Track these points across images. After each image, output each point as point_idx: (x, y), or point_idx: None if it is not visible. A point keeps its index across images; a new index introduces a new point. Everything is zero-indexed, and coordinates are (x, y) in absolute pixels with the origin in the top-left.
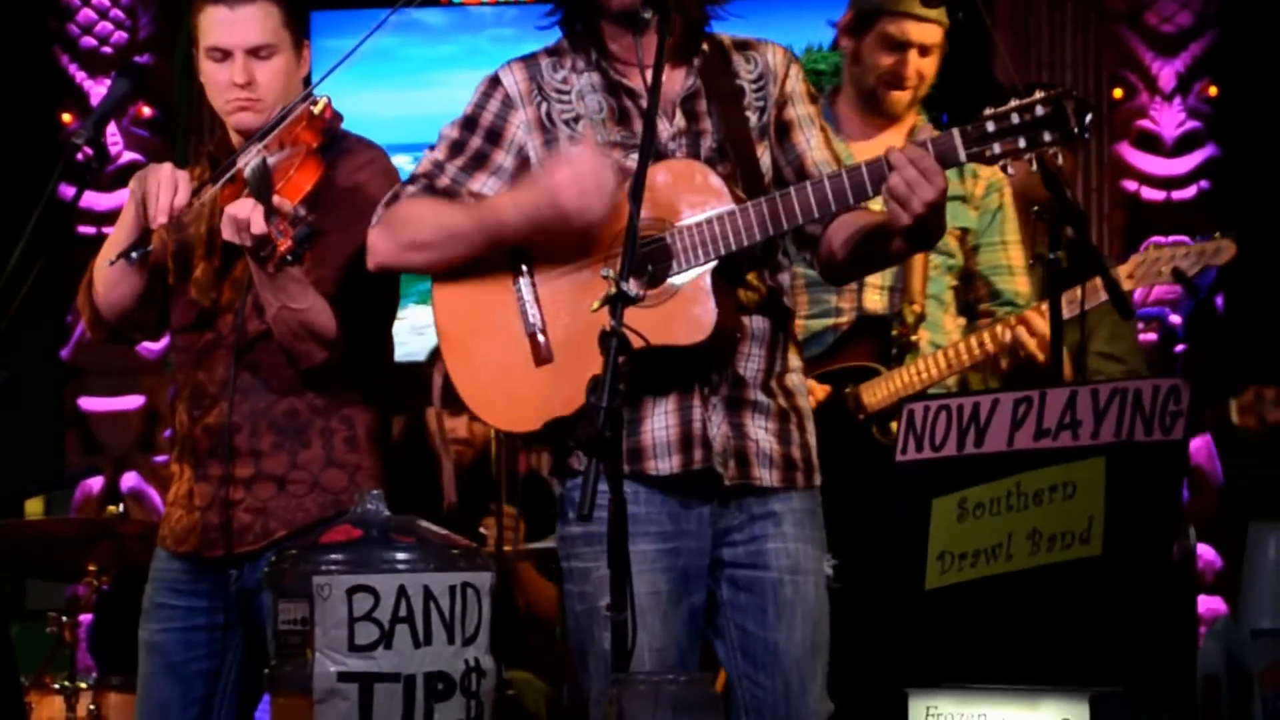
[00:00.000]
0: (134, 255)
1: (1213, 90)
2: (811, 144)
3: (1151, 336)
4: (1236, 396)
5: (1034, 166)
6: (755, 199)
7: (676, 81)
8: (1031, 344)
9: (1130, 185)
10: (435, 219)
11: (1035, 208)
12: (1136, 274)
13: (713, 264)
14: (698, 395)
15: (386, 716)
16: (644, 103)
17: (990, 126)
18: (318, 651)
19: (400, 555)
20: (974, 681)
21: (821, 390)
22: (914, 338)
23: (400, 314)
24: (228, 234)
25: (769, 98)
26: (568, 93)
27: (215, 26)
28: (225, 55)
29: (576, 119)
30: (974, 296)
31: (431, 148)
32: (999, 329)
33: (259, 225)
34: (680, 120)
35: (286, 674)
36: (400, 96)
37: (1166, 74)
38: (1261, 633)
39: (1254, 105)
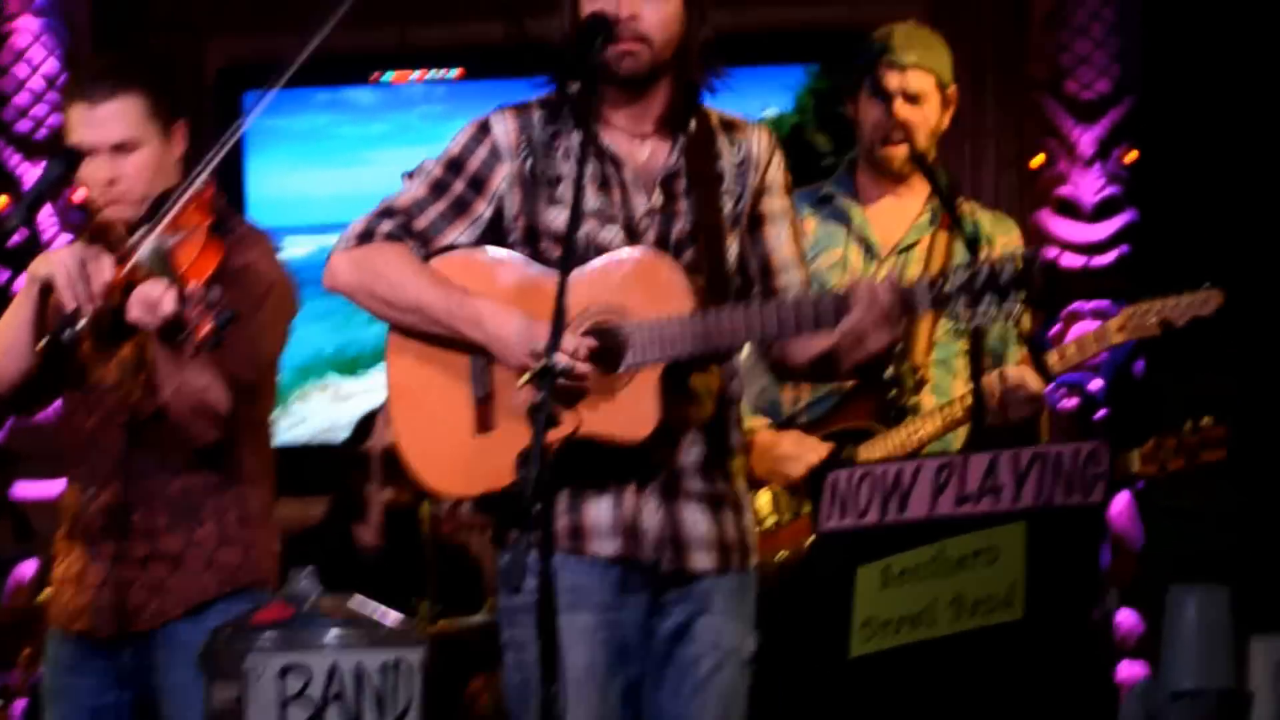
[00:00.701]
0: (65, 337)
1: (1132, 155)
2: (781, 240)
3: (1073, 402)
4: (1139, 447)
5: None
6: (718, 308)
7: (660, 157)
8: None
9: (1051, 251)
10: (405, 283)
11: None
12: (1127, 326)
13: (662, 365)
14: (634, 483)
15: None
16: (627, 173)
17: (957, 283)
18: None
19: (331, 632)
20: None
21: (824, 448)
22: (913, 400)
23: (321, 383)
24: (136, 315)
25: (747, 186)
26: (555, 150)
27: (78, 125)
28: (89, 151)
29: (558, 179)
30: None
31: (409, 175)
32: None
33: (169, 306)
34: (658, 198)
35: None
36: (334, 175)
37: (1086, 140)
38: (1181, 694)
39: (1172, 170)
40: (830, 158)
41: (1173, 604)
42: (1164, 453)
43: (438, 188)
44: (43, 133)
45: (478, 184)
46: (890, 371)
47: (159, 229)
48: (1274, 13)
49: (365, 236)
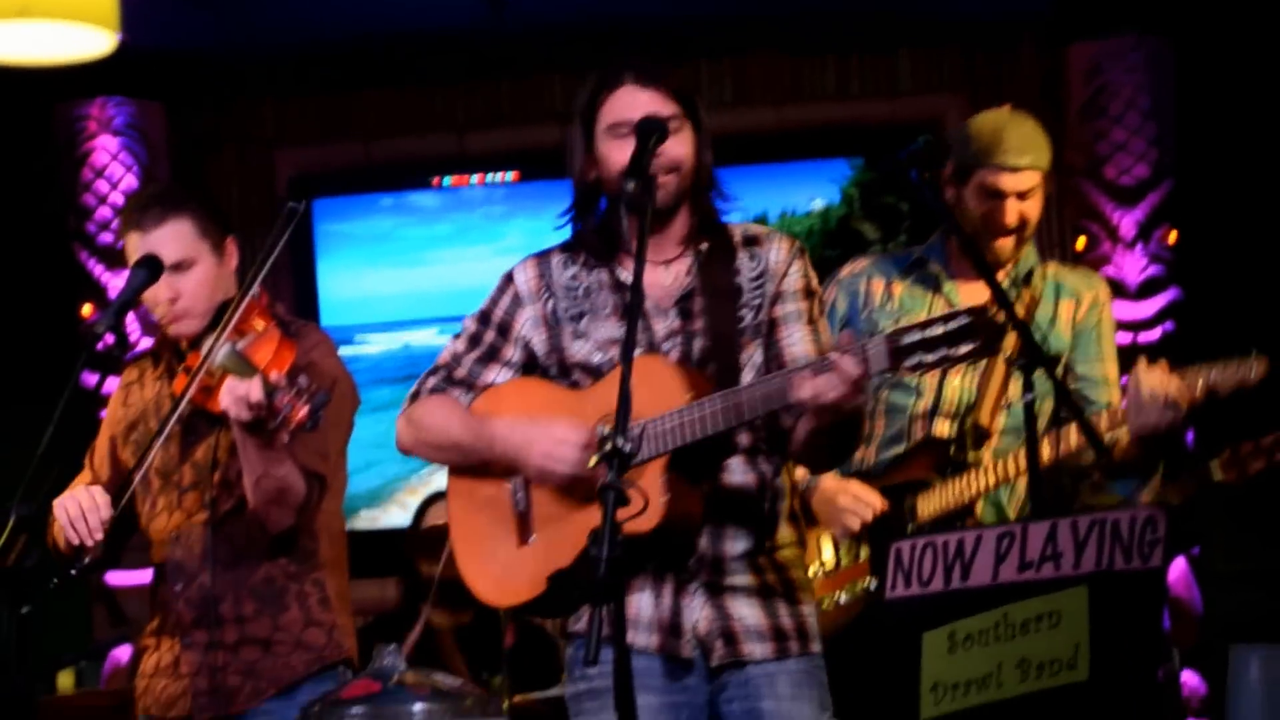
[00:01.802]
0: (76, 570)
1: (1173, 236)
2: (792, 339)
3: None
4: (1216, 457)
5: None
6: (707, 398)
7: (677, 278)
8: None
9: None
10: (444, 428)
11: (1007, 355)
12: (1178, 393)
13: (664, 457)
14: (672, 580)
15: None
16: (648, 300)
17: (915, 338)
18: None
19: (417, 706)
20: None
21: (882, 503)
22: (973, 455)
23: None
24: (228, 407)
25: (765, 295)
26: (576, 289)
27: (135, 252)
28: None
29: (580, 315)
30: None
31: (456, 336)
32: (1046, 442)
33: (257, 395)
34: (675, 319)
35: None
36: (401, 274)
37: (1127, 223)
38: None
39: (1212, 248)
40: (877, 245)
41: (1235, 662)
42: (1242, 459)
43: (472, 340)
44: (123, 244)
45: (504, 330)
46: (953, 429)
47: (225, 333)
48: None
49: (415, 396)
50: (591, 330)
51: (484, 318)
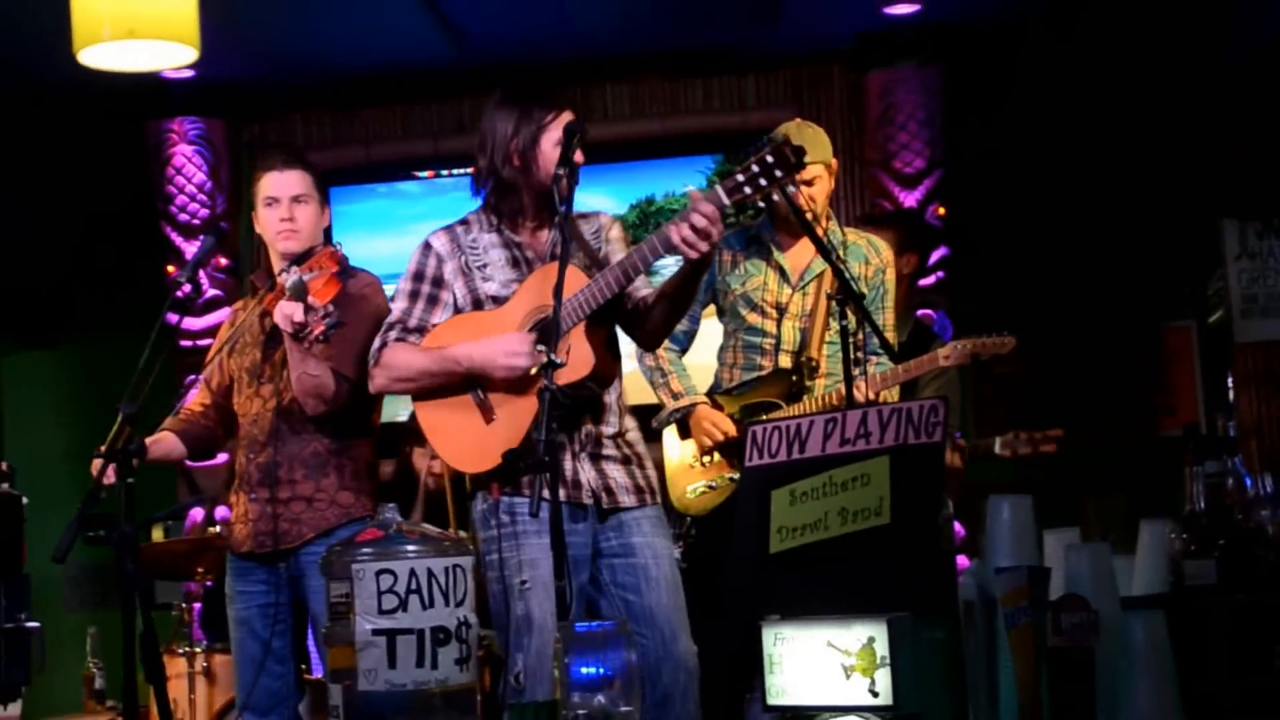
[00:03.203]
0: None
1: (942, 210)
2: (618, 255)
3: None
4: (1001, 436)
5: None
6: (600, 274)
7: (544, 238)
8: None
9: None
10: (411, 363)
11: (828, 292)
12: (951, 355)
13: (583, 322)
14: (571, 452)
15: (405, 658)
16: (529, 253)
17: (741, 178)
18: (357, 615)
19: (410, 547)
20: (806, 615)
21: (732, 430)
22: (809, 384)
23: None
24: (279, 321)
25: (602, 243)
26: (477, 249)
27: (270, 184)
28: (275, 201)
29: (484, 265)
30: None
31: (394, 299)
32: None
33: (299, 316)
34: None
35: (337, 632)
36: (392, 241)
37: (909, 201)
38: (1001, 569)
39: (971, 220)
40: (732, 218)
41: (990, 508)
42: (1019, 443)
43: (412, 295)
44: (195, 221)
45: (438, 282)
46: (792, 362)
47: (302, 268)
48: (1039, 109)
49: (379, 349)
50: (494, 274)
51: (417, 276)
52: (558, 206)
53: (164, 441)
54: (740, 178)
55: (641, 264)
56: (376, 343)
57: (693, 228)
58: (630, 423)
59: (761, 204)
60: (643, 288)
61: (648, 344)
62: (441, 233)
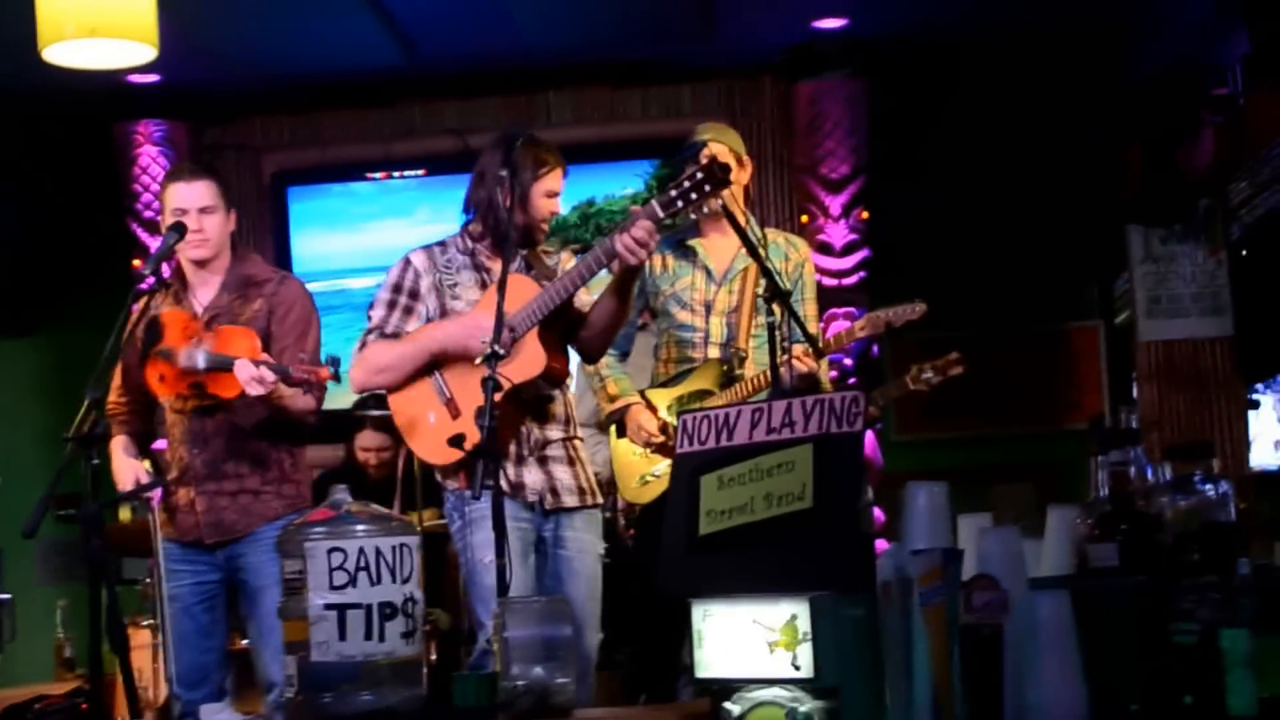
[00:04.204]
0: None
1: (865, 214)
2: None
3: (834, 373)
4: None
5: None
6: (549, 286)
7: (514, 266)
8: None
9: (817, 275)
10: (390, 352)
11: (757, 290)
12: (866, 326)
13: (536, 327)
14: (516, 456)
15: (355, 631)
16: (494, 277)
17: (674, 193)
18: (310, 591)
19: (360, 527)
20: (732, 593)
21: (657, 430)
22: (739, 371)
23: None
24: (252, 390)
25: (559, 271)
26: (450, 269)
27: (177, 196)
28: (183, 213)
29: (455, 284)
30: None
31: (371, 306)
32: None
33: (270, 376)
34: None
35: (291, 606)
36: (346, 238)
37: (835, 205)
38: (918, 551)
39: (890, 223)
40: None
41: (908, 494)
42: (926, 373)
43: (390, 305)
44: (160, 218)
45: (414, 295)
46: (722, 353)
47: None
48: (959, 121)
49: (359, 350)
50: (462, 294)
51: (396, 288)
52: (503, 208)
53: (126, 459)
54: (674, 193)
55: (587, 272)
56: (356, 346)
57: (634, 238)
58: (579, 431)
59: (693, 216)
60: (585, 301)
61: (590, 353)
62: (421, 252)
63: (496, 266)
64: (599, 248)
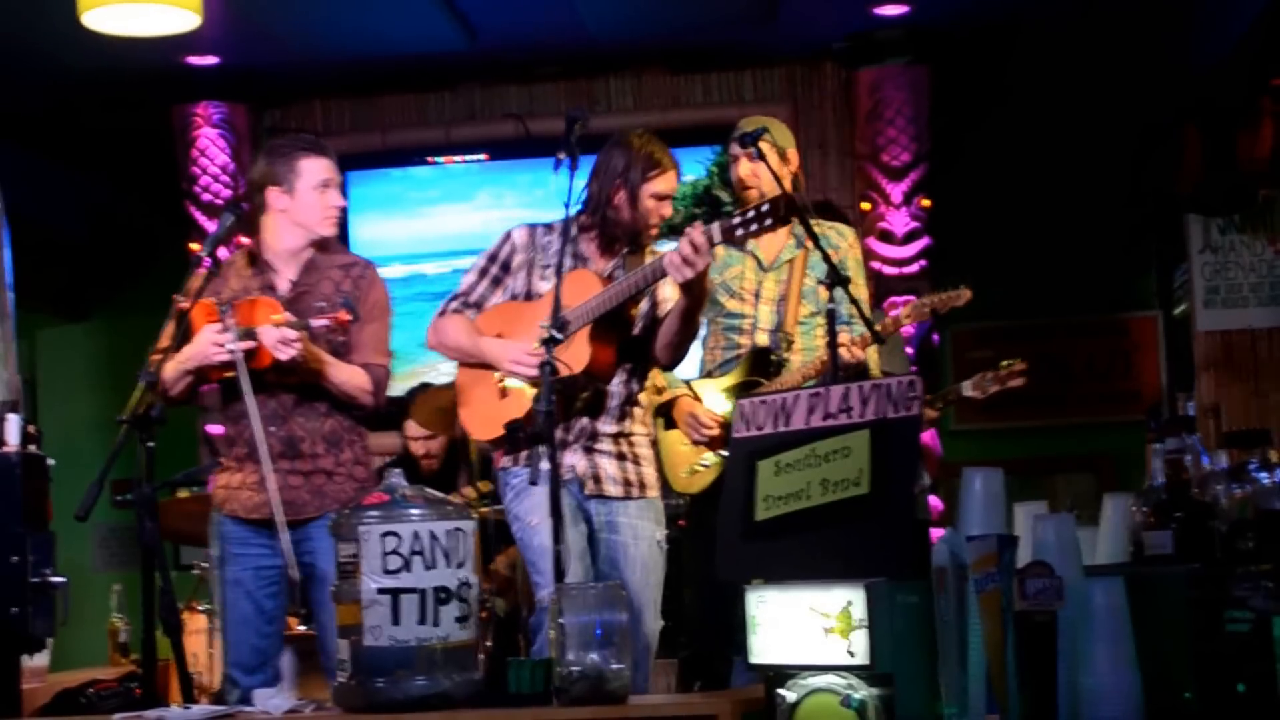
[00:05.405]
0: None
1: (926, 202)
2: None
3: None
4: (969, 380)
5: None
6: (608, 287)
7: (607, 263)
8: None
9: (876, 265)
10: (456, 339)
11: (820, 279)
12: (911, 314)
13: (588, 326)
14: (563, 441)
15: (409, 616)
16: (593, 266)
17: (736, 222)
18: (363, 575)
19: (414, 510)
20: (788, 579)
21: (712, 424)
22: (786, 357)
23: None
24: (281, 356)
25: (651, 277)
26: (549, 251)
27: (325, 167)
28: (330, 184)
29: (547, 266)
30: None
31: (467, 272)
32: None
33: (292, 335)
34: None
35: (345, 590)
36: (406, 223)
37: (896, 192)
38: (973, 537)
39: (953, 211)
40: (729, 206)
41: (965, 479)
42: (986, 382)
43: (482, 272)
44: (218, 200)
45: (506, 267)
46: (769, 340)
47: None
48: (1021, 108)
49: (441, 314)
50: (550, 276)
51: (491, 258)
52: (608, 206)
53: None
54: (736, 221)
55: (642, 282)
56: (440, 307)
57: (682, 256)
58: (639, 428)
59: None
60: (666, 301)
61: (663, 363)
62: (525, 228)
63: (594, 258)
64: (654, 261)
